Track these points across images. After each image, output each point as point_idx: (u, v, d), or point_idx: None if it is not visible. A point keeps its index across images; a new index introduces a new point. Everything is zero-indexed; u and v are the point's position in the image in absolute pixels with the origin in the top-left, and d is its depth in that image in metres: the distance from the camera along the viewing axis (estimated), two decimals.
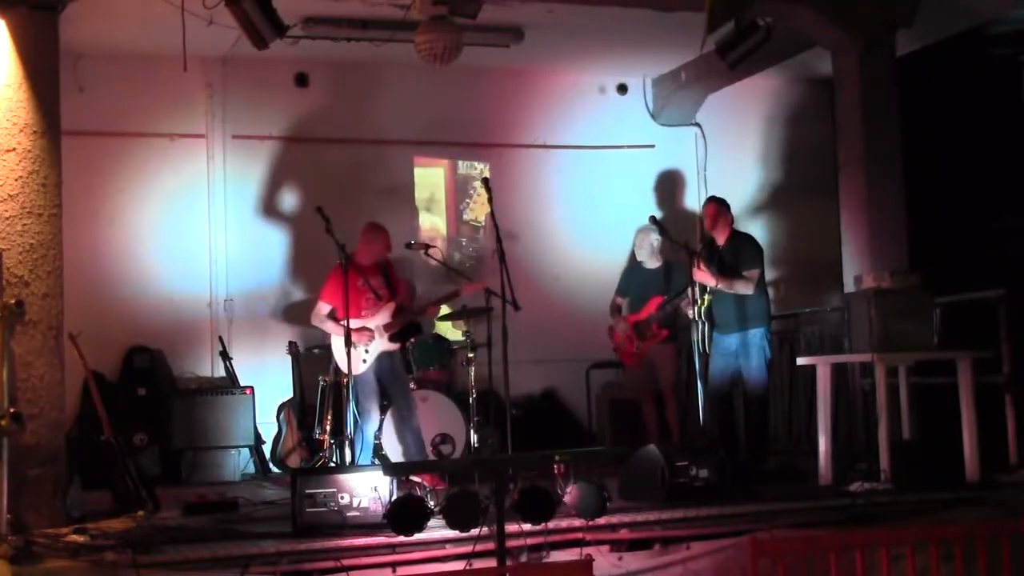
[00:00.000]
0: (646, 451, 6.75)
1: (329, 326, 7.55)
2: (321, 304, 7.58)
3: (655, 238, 8.43)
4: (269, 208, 9.68)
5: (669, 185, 10.70)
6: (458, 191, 10.36)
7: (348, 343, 7.03)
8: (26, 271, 6.30)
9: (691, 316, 7.48)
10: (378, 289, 7.53)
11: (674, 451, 6.68)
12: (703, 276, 7.61)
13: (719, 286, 7.64)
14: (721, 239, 7.90)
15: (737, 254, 7.80)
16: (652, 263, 8.53)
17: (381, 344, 7.48)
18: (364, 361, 7.45)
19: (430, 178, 10.30)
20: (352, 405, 7.68)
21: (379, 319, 7.51)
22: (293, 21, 7.85)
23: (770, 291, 8.17)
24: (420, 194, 10.23)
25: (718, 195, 8.12)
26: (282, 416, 8.87)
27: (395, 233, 9.62)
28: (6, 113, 6.35)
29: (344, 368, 7.31)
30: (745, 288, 7.67)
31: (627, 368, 8.73)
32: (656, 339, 8.31)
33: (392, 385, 7.61)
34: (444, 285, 8.96)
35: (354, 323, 7.25)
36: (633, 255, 8.80)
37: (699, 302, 7.50)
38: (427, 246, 8.60)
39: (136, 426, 8.62)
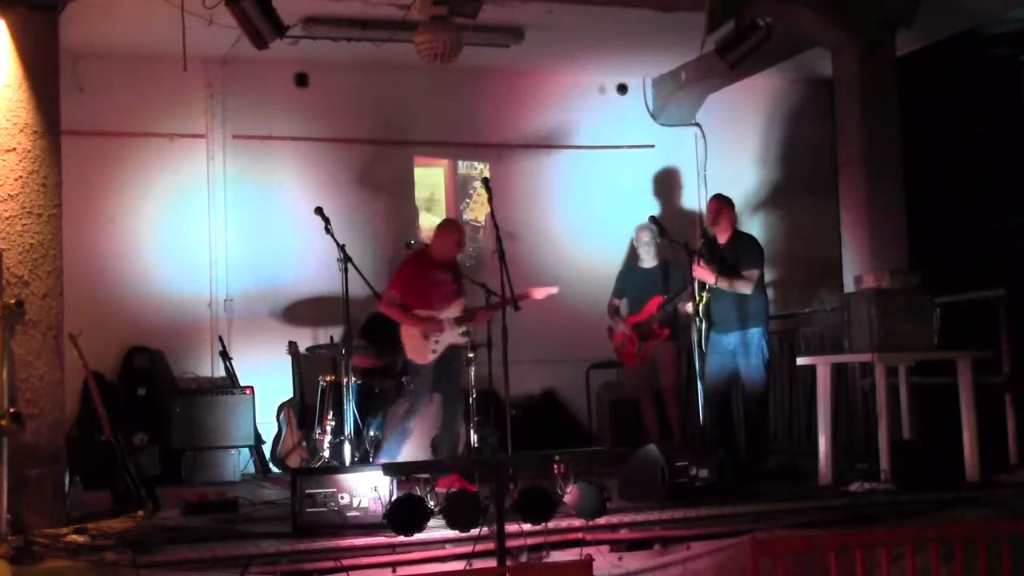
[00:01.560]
0: (646, 451, 6.76)
1: (398, 314, 7.55)
2: (392, 292, 7.59)
3: (653, 237, 8.43)
4: (269, 208, 9.67)
5: (669, 185, 10.70)
6: (458, 191, 10.36)
7: (344, 340, 7.04)
8: (26, 271, 6.30)
9: (691, 313, 7.49)
10: (448, 284, 7.61)
11: (674, 451, 6.68)
12: (703, 273, 7.61)
13: (718, 284, 7.64)
14: (723, 237, 7.90)
15: (738, 254, 7.80)
16: (649, 263, 8.54)
17: (450, 336, 7.53)
18: (433, 352, 7.49)
19: (430, 178, 10.30)
20: (352, 405, 7.68)
21: (450, 312, 7.55)
22: (293, 21, 7.85)
23: (770, 291, 8.18)
24: (420, 194, 10.23)
25: (723, 193, 8.13)
26: (282, 416, 8.87)
27: (395, 233, 9.72)
28: (6, 113, 6.35)
29: (414, 358, 7.45)
30: (744, 287, 7.67)
31: (628, 368, 8.73)
32: (657, 339, 8.31)
33: (445, 379, 7.63)
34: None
35: (427, 314, 7.37)
36: (628, 256, 8.80)
37: (698, 299, 7.50)
38: (427, 246, 8.58)
39: (136, 426, 8.63)
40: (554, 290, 7.74)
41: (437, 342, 7.49)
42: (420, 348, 7.50)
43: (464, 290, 7.71)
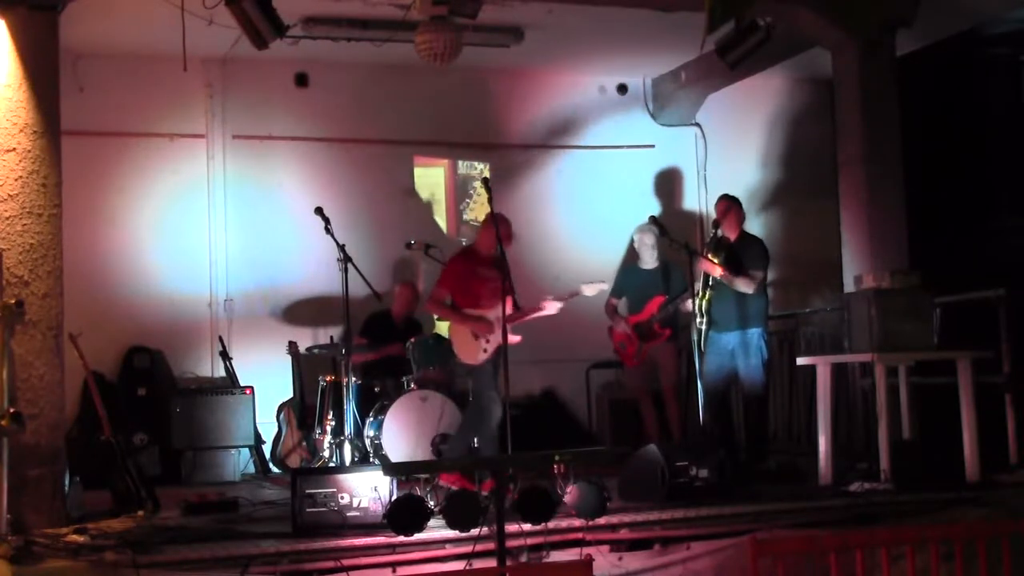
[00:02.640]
0: (646, 451, 6.76)
1: (447, 314, 7.45)
2: (440, 290, 7.44)
3: (653, 237, 8.43)
4: (269, 208, 9.67)
5: (669, 185, 10.70)
6: (458, 191, 10.36)
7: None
8: (26, 271, 6.30)
9: (691, 310, 7.49)
10: (495, 281, 7.26)
11: (674, 451, 6.68)
12: (708, 266, 7.61)
13: (722, 277, 7.62)
14: (730, 237, 7.90)
15: (744, 254, 7.80)
16: (650, 263, 8.53)
17: (500, 336, 7.34)
18: (484, 351, 7.32)
19: (430, 178, 10.30)
20: (352, 405, 7.68)
21: (498, 311, 7.27)
22: (293, 21, 7.84)
23: (770, 291, 8.17)
24: (420, 194, 10.23)
25: (729, 193, 8.14)
26: (282, 416, 8.87)
27: (395, 233, 9.72)
28: (6, 113, 6.35)
29: (464, 358, 7.31)
30: (746, 286, 7.67)
31: (628, 368, 8.73)
32: (658, 340, 8.30)
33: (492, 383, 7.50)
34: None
35: (477, 313, 7.26)
36: (628, 256, 8.79)
37: (701, 296, 7.50)
38: (428, 246, 8.59)
39: (136, 426, 8.63)
40: (558, 305, 7.57)
41: (488, 342, 7.33)
42: (470, 348, 7.33)
43: (513, 287, 7.31)
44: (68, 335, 6.64)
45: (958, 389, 7.02)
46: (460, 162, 10.33)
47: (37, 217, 6.37)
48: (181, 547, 5.58)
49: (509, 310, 7.03)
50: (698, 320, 7.57)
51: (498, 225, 7.13)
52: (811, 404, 8.34)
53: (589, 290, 7.68)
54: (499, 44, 9.25)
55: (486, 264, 7.35)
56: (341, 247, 7.55)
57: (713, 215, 8.15)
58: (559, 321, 9.43)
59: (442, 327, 9.19)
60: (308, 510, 5.89)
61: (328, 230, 7.52)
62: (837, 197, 8.66)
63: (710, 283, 7.67)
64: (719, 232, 7.90)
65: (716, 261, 7.68)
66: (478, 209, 10.24)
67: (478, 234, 7.67)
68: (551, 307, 7.48)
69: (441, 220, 10.26)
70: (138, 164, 9.42)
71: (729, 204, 7.95)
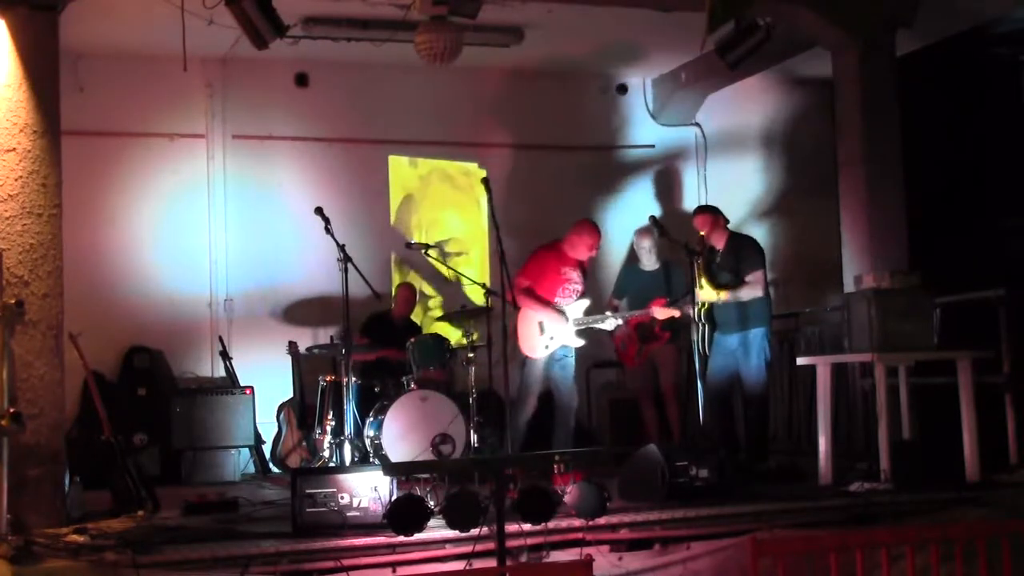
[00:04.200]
0: (646, 451, 6.75)
1: (528, 301, 7.59)
2: (523, 279, 7.66)
3: (651, 240, 8.42)
4: (269, 208, 9.67)
5: (669, 185, 10.70)
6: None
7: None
8: (26, 271, 6.31)
9: (692, 316, 7.48)
10: (576, 283, 7.71)
11: (674, 451, 6.68)
12: (707, 296, 7.57)
13: (721, 299, 7.62)
14: (720, 244, 7.89)
15: (738, 257, 7.79)
16: (650, 264, 8.53)
17: (566, 336, 7.62)
18: (546, 347, 7.60)
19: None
20: (352, 405, 7.67)
21: (573, 310, 7.66)
22: (293, 21, 7.84)
23: (770, 291, 8.16)
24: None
25: (706, 203, 8.13)
26: (282, 416, 8.87)
27: (395, 233, 9.72)
28: (6, 113, 6.35)
29: (525, 350, 7.56)
30: (752, 293, 7.66)
31: (628, 369, 8.72)
32: (659, 341, 8.30)
33: (560, 380, 7.72)
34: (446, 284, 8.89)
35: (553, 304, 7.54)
36: (629, 257, 8.78)
37: (700, 304, 7.49)
38: (428, 246, 8.58)
39: (136, 426, 8.62)
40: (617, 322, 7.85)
41: (552, 339, 7.58)
42: (534, 341, 7.63)
43: (587, 293, 7.79)
44: (68, 335, 6.64)
45: (958, 389, 7.02)
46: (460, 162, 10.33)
47: (37, 217, 6.38)
48: (181, 547, 5.58)
49: (580, 312, 7.63)
50: (699, 327, 7.55)
51: (592, 236, 7.64)
52: (811, 404, 8.34)
53: (660, 313, 7.86)
54: (499, 44, 9.25)
55: (571, 265, 7.73)
56: (341, 247, 7.55)
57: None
58: None
59: (442, 327, 9.19)
60: (308, 510, 5.89)
61: (328, 230, 7.52)
62: (837, 197, 8.66)
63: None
64: (706, 245, 7.84)
65: (712, 285, 7.65)
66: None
67: (570, 234, 7.82)
68: (608, 325, 7.84)
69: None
70: (138, 164, 9.42)
71: (708, 216, 7.92)
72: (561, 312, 7.64)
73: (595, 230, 7.85)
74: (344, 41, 8.97)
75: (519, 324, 7.66)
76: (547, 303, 7.63)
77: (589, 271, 8.03)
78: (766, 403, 7.99)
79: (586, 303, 7.78)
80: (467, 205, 10.29)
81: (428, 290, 10.00)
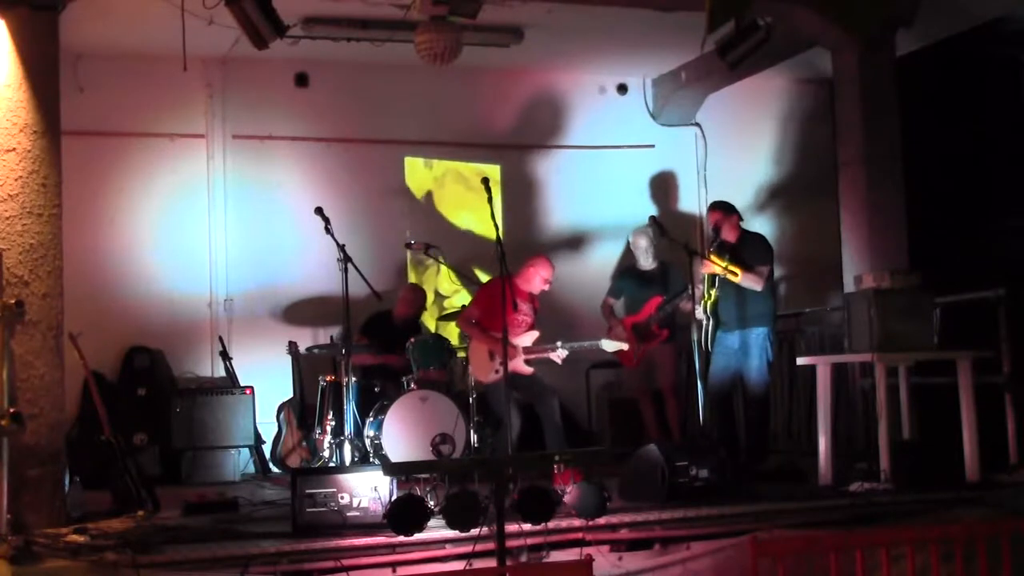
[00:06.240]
0: (646, 451, 6.76)
1: (475, 332, 7.77)
2: (473, 311, 7.88)
3: (647, 240, 8.42)
4: (269, 208, 9.67)
5: (669, 185, 10.70)
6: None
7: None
8: (26, 271, 6.31)
9: (696, 312, 7.49)
10: (526, 315, 7.77)
11: (674, 451, 6.68)
12: (710, 266, 7.59)
13: (725, 274, 7.60)
14: (731, 240, 7.89)
15: (747, 252, 7.80)
16: (647, 264, 8.52)
17: (516, 363, 7.65)
18: (496, 372, 7.59)
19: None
20: (352, 405, 7.67)
21: (522, 341, 7.73)
22: (293, 21, 7.84)
23: (778, 291, 8.15)
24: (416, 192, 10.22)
25: (719, 199, 8.12)
26: (282, 416, 8.86)
27: (395, 233, 9.71)
28: (6, 113, 6.35)
29: (476, 374, 7.69)
30: (754, 283, 7.66)
31: (627, 369, 8.73)
32: (656, 340, 8.30)
33: (529, 392, 7.83)
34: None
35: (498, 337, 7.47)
36: (625, 257, 8.78)
37: (706, 296, 7.49)
38: (428, 246, 8.58)
39: (136, 426, 8.63)
40: (563, 355, 7.79)
41: (501, 365, 7.47)
42: (483, 366, 7.70)
43: (536, 324, 7.86)
44: (68, 335, 6.64)
45: (958, 389, 7.02)
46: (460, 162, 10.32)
47: (37, 217, 6.37)
48: (181, 547, 5.58)
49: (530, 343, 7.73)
50: (704, 321, 7.56)
51: (547, 270, 7.79)
52: (811, 404, 8.34)
53: (608, 346, 7.92)
54: (499, 44, 9.25)
55: (523, 298, 7.75)
56: (341, 247, 7.54)
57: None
58: (559, 321, 9.50)
59: (442, 328, 9.19)
60: (308, 510, 5.89)
61: (328, 230, 7.52)
62: (837, 197, 8.66)
63: (715, 283, 7.66)
64: (719, 238, 7.87)
65: (719, 260, 7.66)
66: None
67: (525, 268, 7.90)
68: (557, 356, 7.77)
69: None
70: (138, 164, 9.41)
71: (720, 212, 7.93)
72: (510, 344, 7.49)
73: (549, 265, 7.92)
74: (344, 41, 8.96)
75: (470, 350, 7.83)
76: (491, 336, 7.60)
77: (539, 306, 8.04)
78: (767, 403, 8.00)
79: (535, 335, 7.79)
80: (481, 206, 10.28)
81: (445, 289, 9.99)
